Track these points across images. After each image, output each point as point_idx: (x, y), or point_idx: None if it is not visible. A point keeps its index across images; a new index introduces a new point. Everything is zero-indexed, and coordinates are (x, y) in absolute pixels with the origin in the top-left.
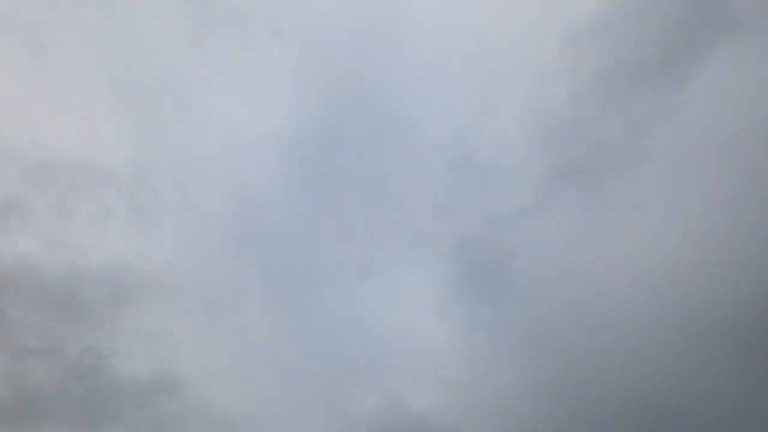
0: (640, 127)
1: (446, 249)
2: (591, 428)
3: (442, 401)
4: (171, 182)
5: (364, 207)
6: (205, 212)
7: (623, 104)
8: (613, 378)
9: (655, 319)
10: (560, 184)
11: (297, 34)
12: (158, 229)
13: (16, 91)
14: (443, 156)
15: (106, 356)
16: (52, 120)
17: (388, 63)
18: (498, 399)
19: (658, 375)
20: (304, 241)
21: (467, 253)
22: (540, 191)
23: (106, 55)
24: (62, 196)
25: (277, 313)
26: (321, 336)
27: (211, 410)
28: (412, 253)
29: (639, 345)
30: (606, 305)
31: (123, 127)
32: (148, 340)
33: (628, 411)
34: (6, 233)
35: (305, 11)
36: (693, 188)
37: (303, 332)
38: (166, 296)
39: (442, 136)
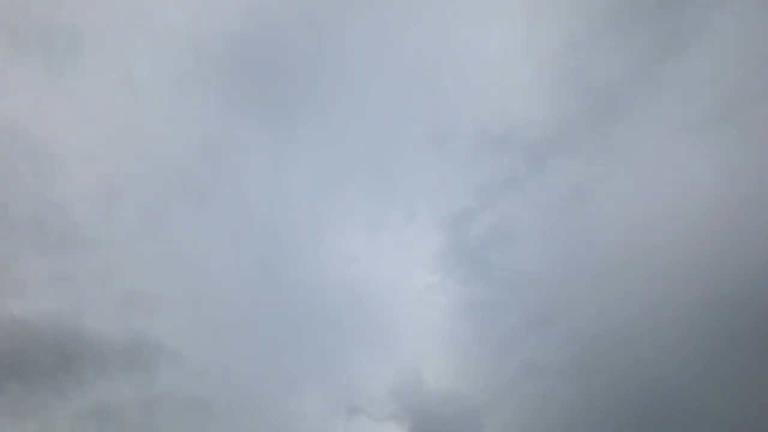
0: (645, 70)
1: (438, 225)
2: (611, 409)
3: (434, 375)
4: None
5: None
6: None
7: (626, 49)
8: (628, 363)
9: (672, 291)
10: (559, 146)
11: None
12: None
13: None
14: (424, 127)
15: None
16: None
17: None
18: (509, 382)
19: (674, 359)
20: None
21: (462, 227)
22: (538, 154)
23: None
24: None
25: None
26: (313, 315)
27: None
28: (401, 232)
29: (658, 320)
30: (618, 278)
31: None
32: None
33: (642, 399)
34: None
35: None
36: (705, 138)
37: (294, 306)
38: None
39: (420, 105)
